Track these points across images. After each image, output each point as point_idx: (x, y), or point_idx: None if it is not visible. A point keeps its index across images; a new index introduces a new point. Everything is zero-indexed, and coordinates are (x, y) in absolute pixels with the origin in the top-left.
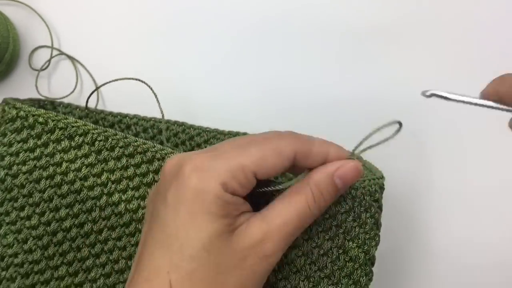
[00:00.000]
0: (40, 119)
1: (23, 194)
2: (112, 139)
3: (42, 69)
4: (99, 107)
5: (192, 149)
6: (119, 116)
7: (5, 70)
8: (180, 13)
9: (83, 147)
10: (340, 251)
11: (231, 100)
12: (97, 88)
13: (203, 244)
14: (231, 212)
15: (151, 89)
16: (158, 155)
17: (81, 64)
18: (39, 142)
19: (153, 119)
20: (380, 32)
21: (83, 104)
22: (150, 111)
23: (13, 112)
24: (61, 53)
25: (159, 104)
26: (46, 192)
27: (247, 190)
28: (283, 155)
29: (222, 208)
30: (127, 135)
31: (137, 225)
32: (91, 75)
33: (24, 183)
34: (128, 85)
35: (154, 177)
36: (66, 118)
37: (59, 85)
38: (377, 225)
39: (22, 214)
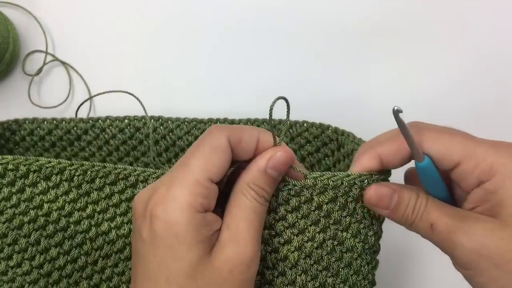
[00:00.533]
0: (10, 166)
1: (7, 243)
2: (91, 171)
3: (35, 75)
4: (91, 115)
5: (173, 143)
6: (91, 121)
7: (5, 70)
8: (175, 20)
9: (61, 185)
10: (335, 242)
11: (230, 103)
12: (87, 99)
13: (187, 273)
14: (205, 234)
15: (140, 102)
16: (141, 178)
17: (75, 71)
18: (13, 190)
19: (127, 118)
20: (380, 32)
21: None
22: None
23: None
24: (56, 59)
25: (146, 114)
26: (32, 236)
27: (214, 198)
28: (221, 148)
29: (196, 234)
30: (106, 164)
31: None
32: (85, 82)
33: (6, 232)
34: (120, 95)
35: None
36: (38, 160)
37: (52, 91)
38: (370, 214)
39: (11, 263)
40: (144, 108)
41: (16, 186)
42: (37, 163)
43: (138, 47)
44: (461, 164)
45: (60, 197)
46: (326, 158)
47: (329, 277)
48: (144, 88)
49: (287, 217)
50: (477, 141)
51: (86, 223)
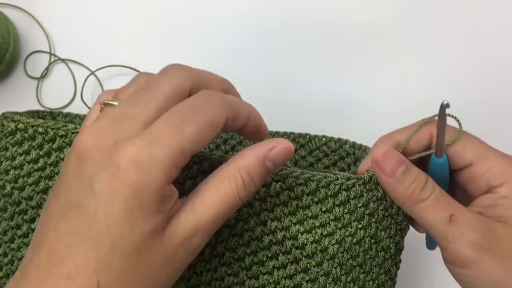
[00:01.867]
0: (40, 129)
1: (31, 205)
2: None
3: (42, 76)
4: None
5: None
6: None
7: (5, 70)
8: (180, 15)
9: None
10: (372, 240)
11: None
12: (92, 73)
13: (136, 244)
14: (167, 205)
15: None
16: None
17: (86, 67)
18: (41, 152)
19: None
20: (381, 32)
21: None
22: None
23: (12, 125)
24: (60, 59)
25: None
26: None
27: (180, 171)
28: (217, 126)
29: (160, 203)
30: None
31: None
32: (96, 77)
33: (32, 194)
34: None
35: None
36: (66, 125)
37: (57, 91)
38: (406, 216)
39: (33, 226)
40: None
41: (43, 149)
42: (64, 128)
43: (140, 39)
44: (473, 165)
45: None
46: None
47: (362, 274)
48: None
49: (333, 209)
50: (490, 147)
51: None
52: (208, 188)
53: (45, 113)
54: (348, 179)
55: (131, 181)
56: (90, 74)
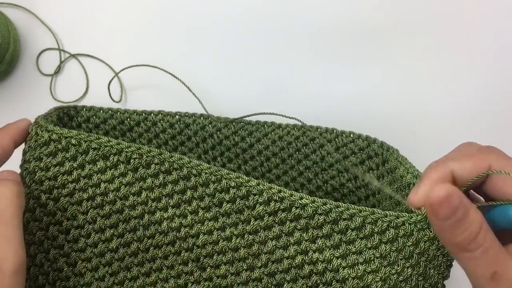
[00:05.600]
0: (73, 141)
1: (66, 217)
2: (147, 156)
3: (55, 73)
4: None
5: (220, 141)
6: (144, 114)
7: (5, 70)
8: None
9: (119, 166)
10: (420, 278)
11: (233, 99)
12: (116, 74)
13: None
14: None
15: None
16: (194, 171)
17: (101, 60)
18: (75, 164)
19: (178, 114)
20: (381, 32)
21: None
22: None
23: (46, 135)
24: (71, 55)
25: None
26: (89, 214)
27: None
28: None
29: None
30: (162, 150)
31: (182, 244)
32: (111, 68)
33: (66, 206)
34: (148, 76)
35: (192, 194)
36: (99, 138)
37: (70, 87)
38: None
39: (68, 238)
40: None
41: (77, 162)
42: (97, 141)
43: (144, 32)
44: None
45: (116, 179)
46: (371, 171)
47: None
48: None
49: (379, 246)
50: None
51: (140, 209)
52: None
53: (69, 108)
54: (398, 217)
55: None
56: (114, 76)
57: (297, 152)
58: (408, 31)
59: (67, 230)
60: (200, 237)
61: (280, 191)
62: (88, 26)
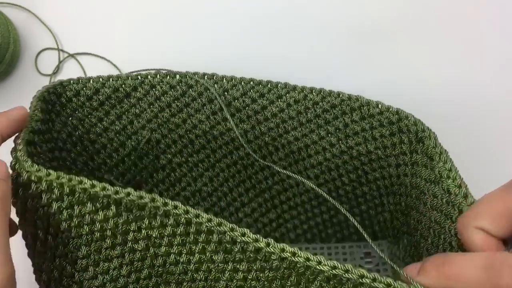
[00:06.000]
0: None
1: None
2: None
3: (53, 73)
4: None
5: (229, 103)
6: (139, 78)
7: (5, 70)
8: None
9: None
10: None
11: None
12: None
13: None
14: None
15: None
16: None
17: (105, 58)
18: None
19: (178, 74)
20: (381, 32)
21: None
22: None
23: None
24: (70, 55)
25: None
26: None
27: None
28: None
29: None
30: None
31: None
32: (116, 67)
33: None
34: None
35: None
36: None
37: None
38: None
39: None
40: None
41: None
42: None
43: (143, 29)
44: None
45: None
46: (402, 145)
47: None
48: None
49: None
50: None
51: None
52: None
53: (55, 87)
54: (388, 285)
55: None
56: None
57: (316, 118)
58: (411, 31)
59: (85, 268)
60: None
61: (294, 254)
62: (87, 26)
